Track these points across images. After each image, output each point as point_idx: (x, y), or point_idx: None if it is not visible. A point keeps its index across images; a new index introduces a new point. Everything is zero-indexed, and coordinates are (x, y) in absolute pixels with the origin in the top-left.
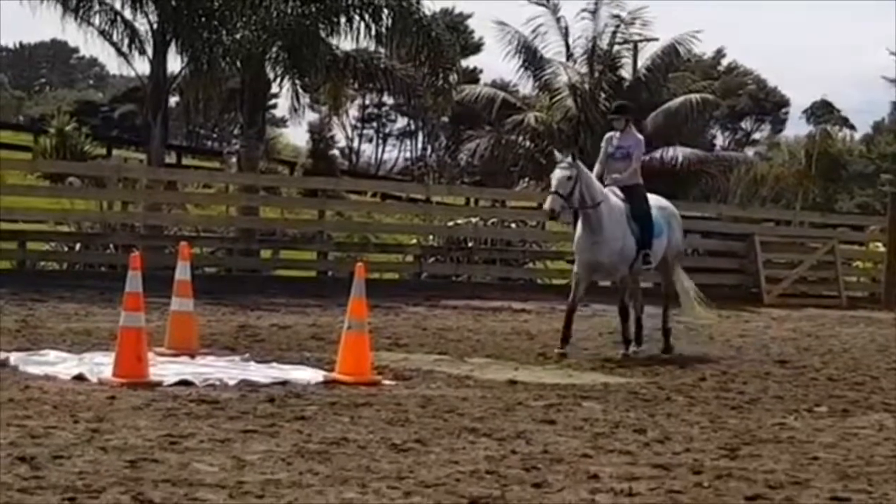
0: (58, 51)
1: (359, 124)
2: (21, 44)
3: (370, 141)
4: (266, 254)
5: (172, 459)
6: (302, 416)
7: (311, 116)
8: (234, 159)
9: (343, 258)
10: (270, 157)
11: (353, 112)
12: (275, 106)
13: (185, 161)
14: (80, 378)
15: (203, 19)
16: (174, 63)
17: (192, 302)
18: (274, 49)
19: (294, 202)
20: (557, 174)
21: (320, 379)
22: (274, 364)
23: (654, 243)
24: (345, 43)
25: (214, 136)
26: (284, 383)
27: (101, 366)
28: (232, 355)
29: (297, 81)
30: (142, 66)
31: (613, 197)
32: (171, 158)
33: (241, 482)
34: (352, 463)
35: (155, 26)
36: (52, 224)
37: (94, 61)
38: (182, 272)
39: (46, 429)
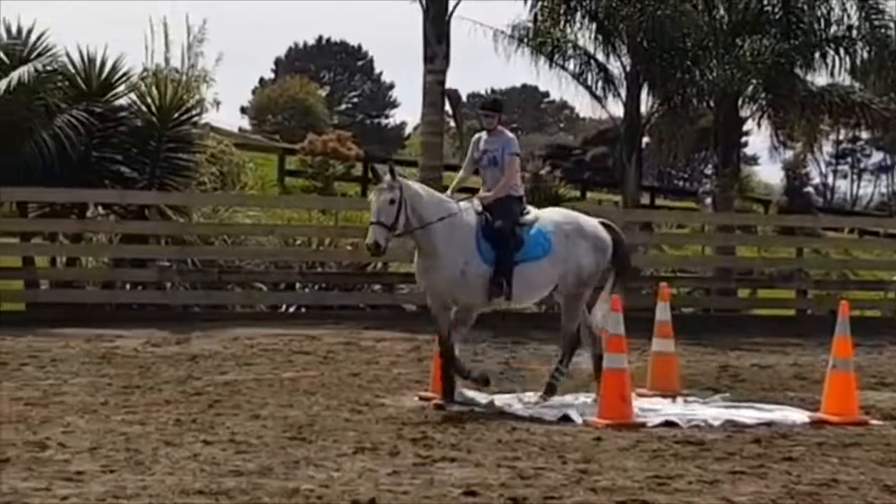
0: (528, 96)
1: (833, 160)
2: (492, 90)
3: (845, 177)
4: (744, 293)
5: (662, 500)
6: (790, 456)
7: (785, 153)
8: (708, 199)
9: (822, 296)
10: (744, 195)
11: (827, 148)
12: (745, 144)
13: (657, 202)
14: (565, 419)
15: (676, 60)
16: (644, 104)
17: (673, 342)
18: (749, 87)
19: (770, 240)
20: (377, 199)
21: (806, 419)
22: (756, 404)
23: (522, 268)
24: (819, 78)
25: (685, 175)
26: (770, 424)
27: (585, 407)
28: (714, 396)
29: (774, 119)
30: (613, 108)
31: (465, 213)
32: (644, 199)
33: None
34: None
35: (628, 68)
36: None
37: (563, 105)
38: (662, 313)
39: (536, 470)
